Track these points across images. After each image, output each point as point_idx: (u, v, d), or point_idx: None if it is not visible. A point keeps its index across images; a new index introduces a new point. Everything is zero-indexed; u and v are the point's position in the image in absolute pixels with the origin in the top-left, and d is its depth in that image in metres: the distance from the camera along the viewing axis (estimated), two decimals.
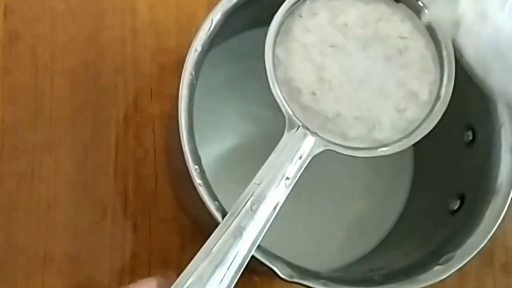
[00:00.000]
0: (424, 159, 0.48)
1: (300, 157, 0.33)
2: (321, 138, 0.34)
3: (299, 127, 0.34)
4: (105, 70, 0.47)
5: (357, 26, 0.35)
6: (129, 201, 0.46)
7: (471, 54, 0.30)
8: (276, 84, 0.35)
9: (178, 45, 0.48)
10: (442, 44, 0.35)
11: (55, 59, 0.47)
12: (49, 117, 0.46)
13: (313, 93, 0.34)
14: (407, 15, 0.36)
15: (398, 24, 0.35)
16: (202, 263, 0.31)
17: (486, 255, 0.48)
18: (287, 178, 0.33)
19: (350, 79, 0.34)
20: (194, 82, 0.36)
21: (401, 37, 0.35)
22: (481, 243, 0.37)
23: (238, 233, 0.31)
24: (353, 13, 0.35)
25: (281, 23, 0.35)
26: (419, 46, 0.35)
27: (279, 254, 0.35)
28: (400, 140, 0.35)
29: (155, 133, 0.47)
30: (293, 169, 0.33)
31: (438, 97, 0.35)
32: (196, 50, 0.36)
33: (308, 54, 0.35)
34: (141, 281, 0.32)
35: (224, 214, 0.33)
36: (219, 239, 0.31)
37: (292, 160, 0.33)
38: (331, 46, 0.35)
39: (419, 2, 0.35)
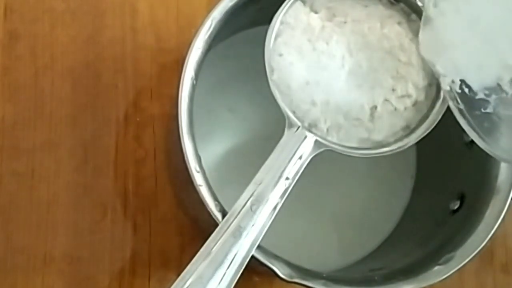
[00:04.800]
0: (425, 159, 0.48)
1: (300, 157, 0.33)
2: (321, 138, 0.34)
3: (299, 127, 0.34)
4: (105, 70, 0.47)
5: (356, 33, 0.35)
6: (129, 201, 0.46)
7: None
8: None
9: (178, 45, 0.48)
10: None
11: (55, 59, 0.47)
12: (49, 117, 0.46)
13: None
14: (404, 17, 0.36)
15: (395, 30, 0.35)
16: (202, 263, 0.31)
17: (486, 255, 0.48)
18: (287, 178, 0.33)
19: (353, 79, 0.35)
20: (194, 82, 0.36)
21: (398, 45, 0.35)
22: (481, 243, 0.37)
23: (238, 233, 0.31)
24: (352, 16, 0.35)
25: (281, 23, 0.35)
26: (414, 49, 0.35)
27: (279, 254, 0.35)
28: (400, 140, 0.35)
29: (155, 133, 0.47)
30: (293, 169, 0.33)
31: (438, 97, 0.35)
32: (196, 50, 0.36)
33: (309, 55, 0.35)
34: None
35: (224, 214, 0.33)
36: (219, 239, 0.31)
37: (292, 160, 0.33)
38: (332, 50, 0.35)
39: (418, 2, 0.35)
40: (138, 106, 0.47)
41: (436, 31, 0.33)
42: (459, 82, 0.33)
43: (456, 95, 0.33)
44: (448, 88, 0.33)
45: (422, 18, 0.34)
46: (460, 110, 0.33)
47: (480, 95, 0.32)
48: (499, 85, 0.32)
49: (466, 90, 0.32)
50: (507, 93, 0.32)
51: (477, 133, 0.32)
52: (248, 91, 0.46)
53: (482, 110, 0.32)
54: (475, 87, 0.32)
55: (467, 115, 0.32)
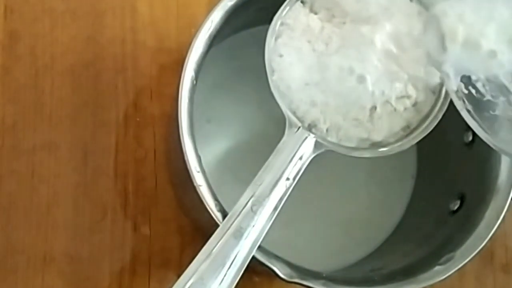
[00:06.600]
0: (425, 159, 0.48)
1: (301, 158, 0.33)
2: (321, 138, 0.34)
3: (299, 127, 0.34)
4: (105, 70, 0.47)
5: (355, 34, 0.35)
6: (129, 201, 0.46)
7: None
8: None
9: (178, 45, 0.48)
10: None
11: (55, 59, 0.47)
12: (49, 117, 0.46)
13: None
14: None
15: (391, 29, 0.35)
16: (202, 264, 0.30)
17: (486, 255, 0.48)
18: (288, 179, 0.33)
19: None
20: (194, 82, 0.36)
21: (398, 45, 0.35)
22: (481, 243, 0.37)
23: (238, 234, 0.31)
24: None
25: (281, 24, 0.35)
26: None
27: (279, 254, 0.35)
28: (400, 140, 0.35)
29: (155, 133, 0.47)
30: (293, 170, 0.33)
31: (438, 97, 0.35)
32: (196, 50, 0.36)
33: (309, 56, 0.35)
34: None
35: (224, 214, 0.33)
36: (219, 240, 0.31)
37: (292, 160, 0.33)
38: (333, 49, 0.35)
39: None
40: (138, 106, 0.47)
41: (440, 31, 0.33)
42: (464, 83, 0.32)
43: (464, 96, 0.32)
44: (454, 88, 0.32)
45: (427, 18, 0.34)
46: (468, 111, 0.32)
47: (488, 97, 0.31)
48: (505, 86, 0.31)
49: (473, 91, 0.32)
50: None
51: (486, 132, 0.32)
52: (249, 90, 0.46)
53: (491, 112, 0.32)
54: (481, 88, 0.32)
55: (475, 116, 0.32)
